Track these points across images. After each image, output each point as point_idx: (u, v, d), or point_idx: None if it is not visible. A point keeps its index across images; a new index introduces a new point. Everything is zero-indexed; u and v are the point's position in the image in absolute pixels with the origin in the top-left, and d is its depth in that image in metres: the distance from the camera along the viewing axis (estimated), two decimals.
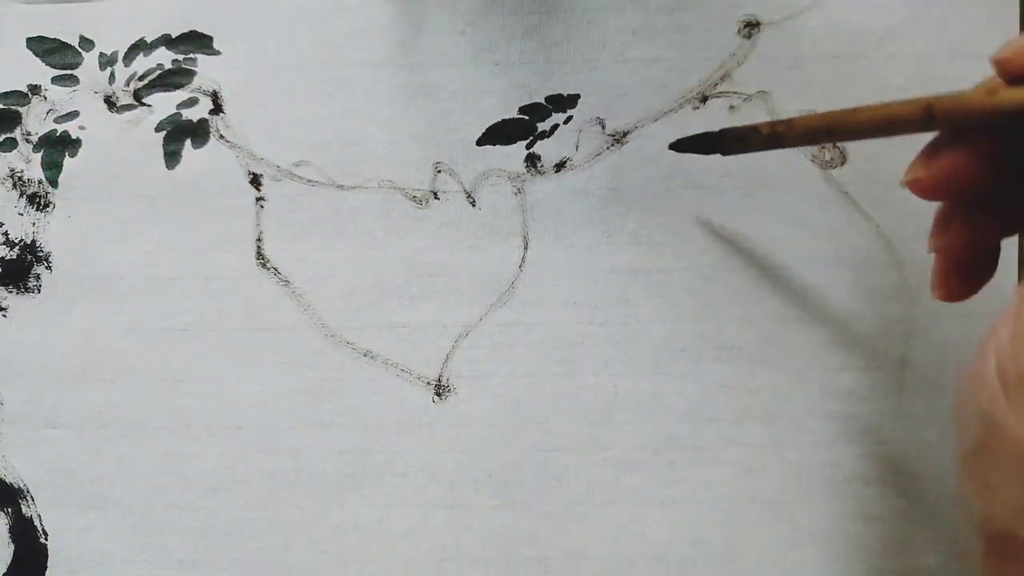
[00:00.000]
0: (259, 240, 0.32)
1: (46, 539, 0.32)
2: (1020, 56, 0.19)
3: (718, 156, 0.30)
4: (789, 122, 0.25)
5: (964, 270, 0.23)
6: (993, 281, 0.30)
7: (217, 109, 0.32)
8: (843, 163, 0.32)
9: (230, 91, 0.32)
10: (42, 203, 0.32)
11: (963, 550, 0.31)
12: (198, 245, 0.32)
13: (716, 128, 0.32)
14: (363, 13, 0.32)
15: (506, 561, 0.31)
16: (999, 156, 0.21)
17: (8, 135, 0.32)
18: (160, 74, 0.32)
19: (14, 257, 0.32)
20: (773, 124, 0.26)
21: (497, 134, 0.32)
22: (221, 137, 0.32)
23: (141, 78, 0.32)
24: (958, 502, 0.31)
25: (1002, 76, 0.20)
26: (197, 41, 0.32)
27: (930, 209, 0.31)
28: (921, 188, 0.22)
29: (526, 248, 0.32)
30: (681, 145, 0.30)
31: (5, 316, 0.32)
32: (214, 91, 0.32)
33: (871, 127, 0.22)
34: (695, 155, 0.30)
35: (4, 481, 0.32)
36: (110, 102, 0.32)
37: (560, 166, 0.32)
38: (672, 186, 0.32)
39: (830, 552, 0.31)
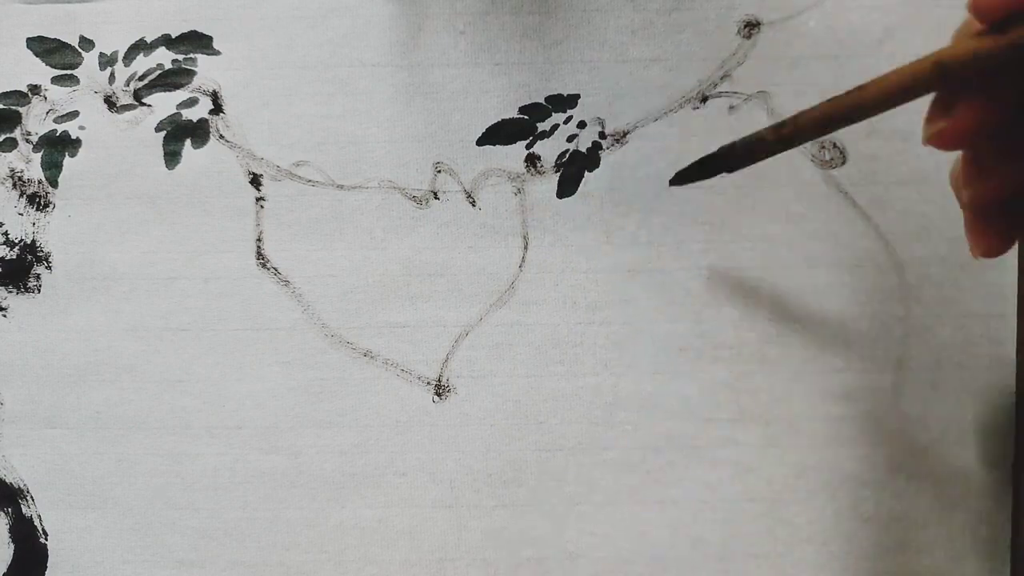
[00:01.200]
0: (259, 240, 0.32)
1: (46, 539, 0.32)
2: None
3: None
4: (794, 119, 0.24)
5: (997, 222, 0.23)
6: (992, 281, 0.30)
7: (217, 109, 0.32)
8: (843, 163, 0.32)
9: (230, 91, 0.32)
10: (42, 203, 0.32)
11: (960, 551, 0.31)
12: (198, 245, 0.32)
13: (716, 128, 0.32)
14: (363, 13, 0.32)
15: (506, 561, 0.31)
16: (1010, 97, 0.21)
17: (8, 135, 0.32)
18: (160, 74, 0.32)
19: (14, 257, 0.32)
20: (777, 128, 0.25)
21: (497, 134, 0.32)
22: (221, 137, 0.32)
23: (141, 78, 0.32)
24: (954, 502, 0.31)
25: (980, 19, 0.20)
26: (197, 41, 0.32)
27: (929, 209, 0.31)
28: (946, 139, 0.22)
29: (526, 248, 0.32)
30: (682, 177, 0.29)
31: (5, 316, 0.32)
32: (214, 91, 0.32)
33: (884, 99, 0.22)
34: (694, 156, 0.30)
35: (4, 481, 0.32)
36: (110, 102, 0.32)
37: (560, 166, 0.32)
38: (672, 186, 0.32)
39: (828, 552, 0.31)
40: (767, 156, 0.26)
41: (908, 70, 0.21)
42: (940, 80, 0.21)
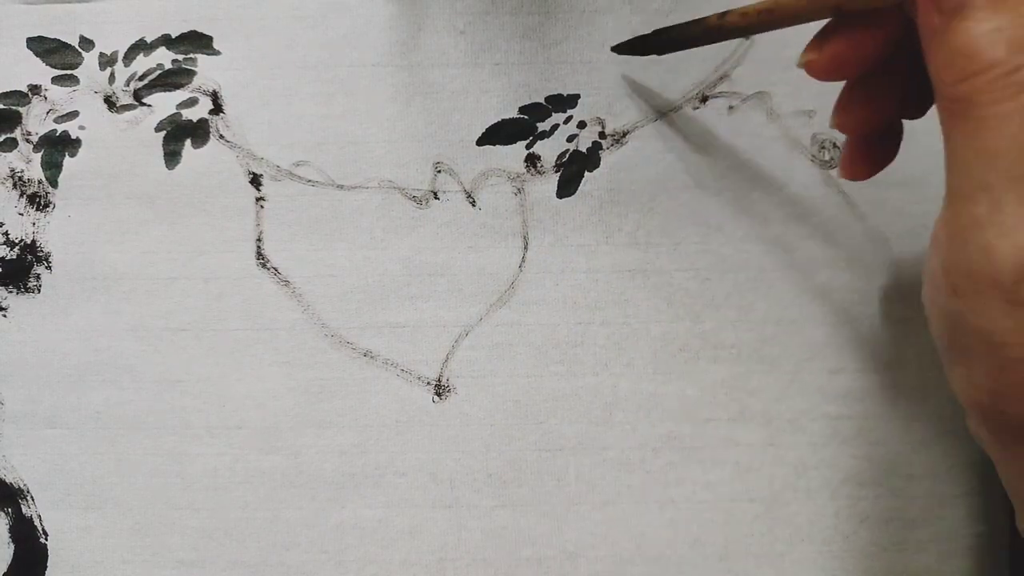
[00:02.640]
0: (259, 240, 0.32)
1: (46, 539, 0.32)
2: None
3: (716, 155, 0.31)
4: (724, 15, 0.26)
5: (867, 149, 0.26)
6: None
7: (217, 109, 0.32)
8: None
9: (230, 91, 0.32)
10: (42, 203, 0.32)
11: (958, 549, 0.31)
12: (198, 245, 0.32)
13: (716, 128, 0.32)
14: (363, 13, 0.32)
15: (505, 561, 0.31)
16: (889, 37, 0.23)
17: (8, 135, 0.32)
18: (160, 74, 0.32)
19: (14, 257, 0.32)
20: (718, 17, 0.27)
21: (497, 134, 0.32)
22: (221, 137, 0.32)
23: (141, 78, 0.32)
24: (951, 501, 0.31)
25: None
26: (197, 41, 0.32)
27: (925, 209, 0.31)
28: (816, 69, 0.24)
29: (526, 248, 0.32)
30: (621, 48, 0.31)
31: (5, 316, 0.32)
32: (214, 91, 0.32)
33: (791, 16, 0.24)
34: (694, 156, 0.30)
35: (4, 481, 0.32)
36: (110, 102, 0.32)
37: (560, 166, 0.32)
38: (672, 186, 0.32)
39: (828, 551, 0.31)
40: (694, 44, 0.29)
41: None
42: (834, 13, 0.23)
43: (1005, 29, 0.19)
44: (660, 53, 0.30)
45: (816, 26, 0.24)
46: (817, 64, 0.24)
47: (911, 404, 0.31)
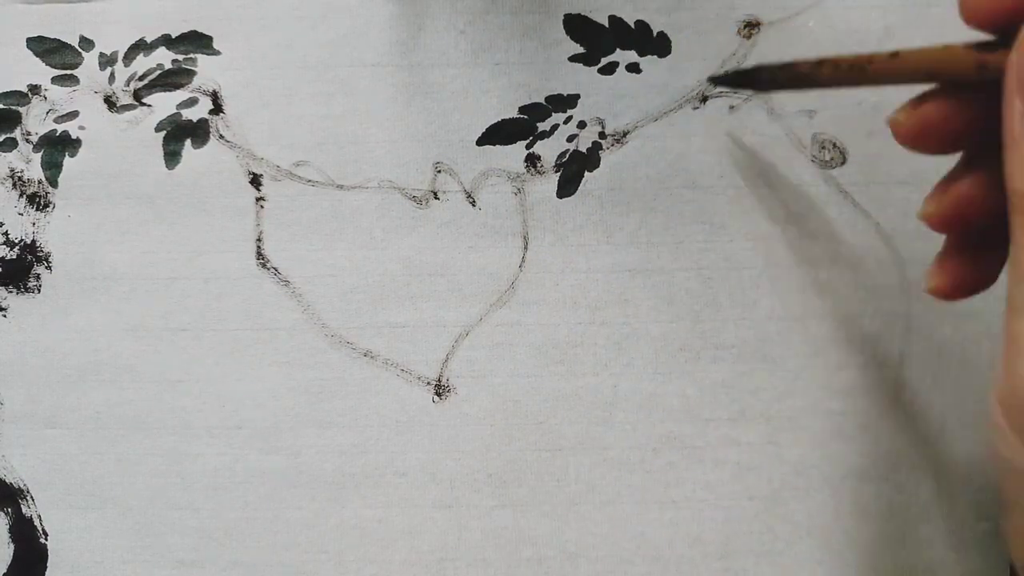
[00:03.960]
0: (259, 240, 0.32)
1: (46, 539, 0.32)
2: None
3: (716, 155, 0.30)
4: (830, 63, 0.24)
5: (967, 258, 0.23)
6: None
7: (217, 109, 0.32)
8: (843, 163, 0.32)
9: (230, 91, 0.32)
10: (42, 203, 0.32)
11: (960, 545, 0.31)
12: (198, 245, 0.32)
13: (716, 128, 0.32)
14: (363, 13, 0.32)
15: (506, 561, 0.31)
16: (976, 110, 0.21)
17: (8, 135, 0.32)
18: (160, 74, 0.32)
19: (14, 257, 0.32)
20: (814, 65, 0.25)
21: (497, 134, 0.32)
22: (221, 137, 0.32)
23: (141, 78, 0.32)
24: (955, 497, 0.31)
25: (964, 19, 0.20)
26: (197, 41, 0.32)
27: None
28: (901, 133, 0.22)
29: (526, 248, 0.32)
30: (719, 80, 0.30)
31: (5, 316, 0.32)
32: (214, 91, 0.32)
33: (910, 74, 0.22)
34: (694, 156, 0.30)
35: (4, 481, 0.32)
36: (110, 102, 0.32)
37: (560, 166, 0.32)
38: (672, 186, 0.32)
39: (828, 549, 0.31)
40: (792, 88, 0.27)
41: (945, 54, 0.21)
42: (977, 72, 0.21)
43: None
44: (756, 90, 0.29)
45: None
46: (904, 129, 0.22)
47: (913, 400, 0.31)
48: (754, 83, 0.28)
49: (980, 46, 0.21)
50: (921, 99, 0.22)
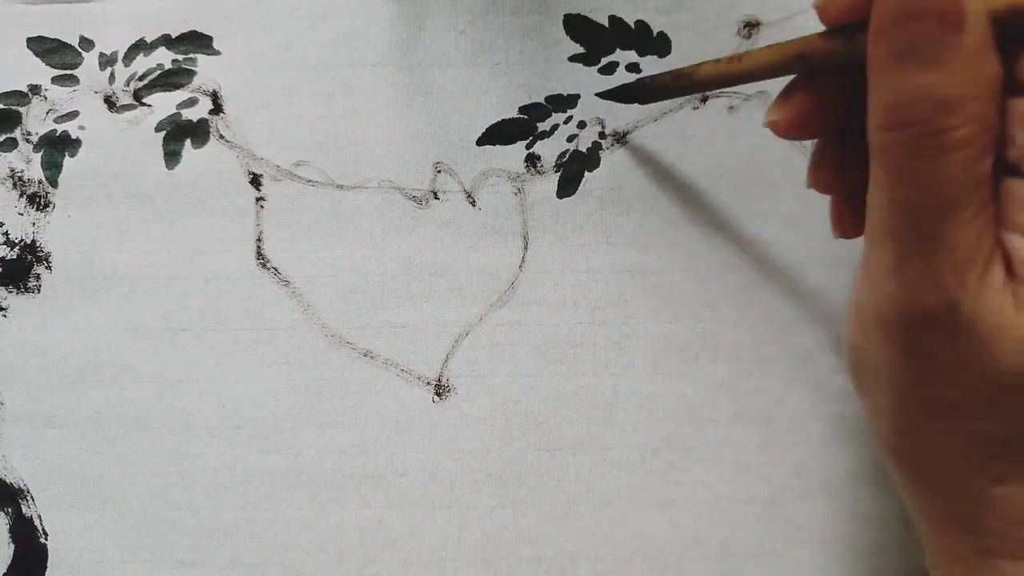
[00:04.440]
0: (259, 240, 0.32)
1: (46, 539, 0.32)
2: (835, 2, 0.21)
3: (716, 155, 0.30)
4: (692, 71, 0.27)
5: (856, 206, 0.25)
6: None
7: (217, 109, 0.32)
8: None
9: (230, 91, 0.32)
10: (42, 203, 0.32)
11: None
12: (198, 245, 0.32)
13: (716, 128, 0.32)
14: (363, 13, 0.32)
15: (506, 561, 0.31)
16: (841, 97, 0.23)
17: (8, 135, 0.32)
18: (160, 74, 0.32)
19: (14, 257, 0.32)
20: (680, 74, 0.27)
21: (497, 134, 0.32)
22: (221, 137, 0.32)
23: (141, 78, 0.32)
24: None
25: (824, 23, 0.22)
26: (197, 41, 0.32)
27: None
28: (780, 128, 0.24)
29: (526, 248, 0.32)
30: (606, 95, 0.31)
31: (5, 316, 0.32)
32: (214, 91, 0.32)
33: (754, 72, 0.24)
34: (694, 156, 0.30)
35: (4, 481, 0.32)
36: (110, 102, 0.32)
37: (560, 166, 0.32)
38: (672, 186, 0.32)
39: (826, 552, 0.31)
40: (670, 97, 0.29)
41: (778, 52, 0.23)
42: (799, 67, 0.23)
43: (937, 86, 0.19)
44: (642, 103, 0.30)
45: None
46: (781, 124, 0.24)
47: None
48: (640, 95, 0.29)
49: (838, 31, 0.22)
50: (787, 93, 0.24)
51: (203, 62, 0.32)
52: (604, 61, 0.32)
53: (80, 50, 0.32)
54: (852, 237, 0.25)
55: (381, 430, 0.32)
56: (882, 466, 0.31)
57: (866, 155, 0.21)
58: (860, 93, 0.21)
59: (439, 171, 0.32)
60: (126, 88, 0.32)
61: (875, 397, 0.23)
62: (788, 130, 0.24)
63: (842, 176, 0.25)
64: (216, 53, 0.32)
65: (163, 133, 0.32)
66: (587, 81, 0.32)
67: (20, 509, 0.32)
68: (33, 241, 0.32)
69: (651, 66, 0.32)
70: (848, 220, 0.25)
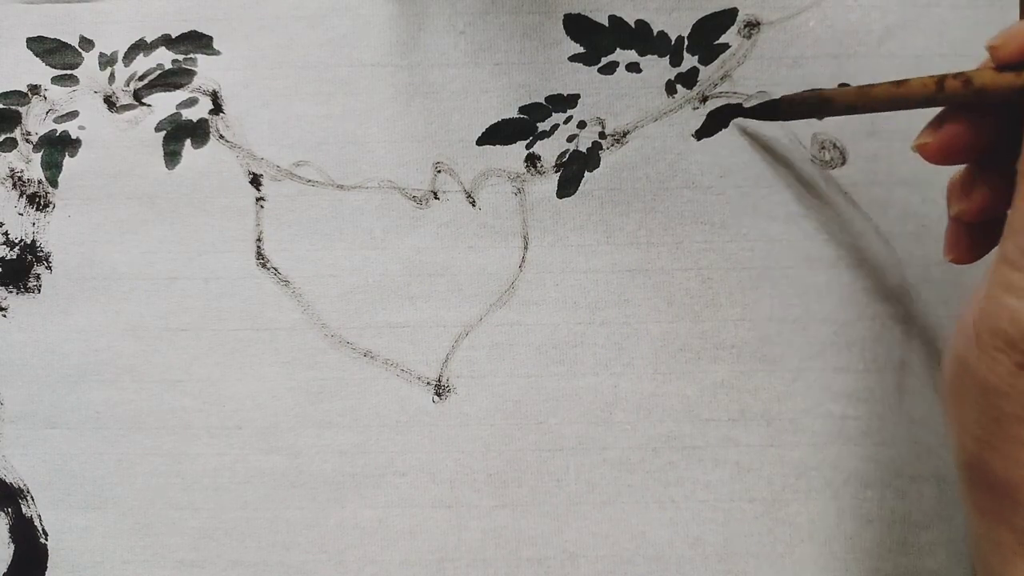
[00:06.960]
0: (259, 240, 0.32)
1: (46, 539, 0.32)
2: (1011, 43, 0.22)
3: (716, 155, 0.30)
4: (834, 93, 0.27)
5: (974, 234, 0.26)
6: None
7: (217, 109, 0.32)
8: (843, 163, 0.32)
9: (230, 91, 0.32)
10: (42, 203, 0.32)
11: (962, 552, 0.31)
12: (198, 245, 0.32)
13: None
14: (363, 13, 0.32)
15: (506, 561, 0.31)
16: (996, 127, 0.24)
17: (8, 135, 0.32)
18: (160, 74, 0.32)
19: (14, 257, 0.32)
20: (823, 93, 0.28)
21: (497, 134, 0.32)
22: (221, 137, 0.32)
23: (141, 78, 0.32)
24: (957, 505, 0.31)
25: (995, 61, 0.23)
26: (197, 41, 0.32)
27: (928, 210, 0.31)
28: (927, 151, 0.25)
29: (526, 248, 0.32)
30: (747, 114, 0.31)
31: (5, 316, 0.32)
32: (214, 91, 0.32)
33: (907, 99, 0.25)
34: (694, 156, 0.30)
35: (4, 481, 0.32)
36: (110, 102, 0.32)
37: (560, 166, 0.32)
38: (672, 186, 0.32)
39: (828, 553, 0.31)
40: (809, 116, 0.30)
41: (915, 83, 0.24)
42: (970, 98, 0.23)
43: None
44: (786, 119, 0.31)
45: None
46: (932, 147, 0.24)
47: (916, 405, 0.31)
48: (779, 112, 0.30)
49: (1007, 67, 0.23)
50: (941, 119, 0.25)
51: (203, 62, 0.32)
52: (604, 61, 0.32)
53: (80, 50, 0.32)
54: (967, 263, 0.26)
55: (381, 430, 0.32)
56: (885, 469, 0.31)
57: (1000, 184, 0.22)
58: (1009, 124, 0.22)
59: (439, 171, 0.32)
60: (126, 88, 0.32)
61: (966, 409, 0.23)
62: (936, 154, 0.24)
63: (990, 205, 0.25)
64: (216, 53, 0.32)
65: (163, 133, 0.32)
66: (587, 81, 0.32)
67: (20, 509, 0.32)
68: (33, 241, 0.32)
69: (651, 66, 0.32)
70: (965, 245, 0.26)
